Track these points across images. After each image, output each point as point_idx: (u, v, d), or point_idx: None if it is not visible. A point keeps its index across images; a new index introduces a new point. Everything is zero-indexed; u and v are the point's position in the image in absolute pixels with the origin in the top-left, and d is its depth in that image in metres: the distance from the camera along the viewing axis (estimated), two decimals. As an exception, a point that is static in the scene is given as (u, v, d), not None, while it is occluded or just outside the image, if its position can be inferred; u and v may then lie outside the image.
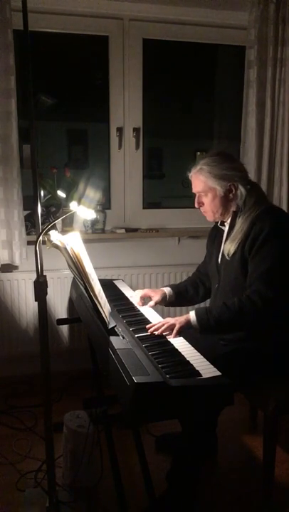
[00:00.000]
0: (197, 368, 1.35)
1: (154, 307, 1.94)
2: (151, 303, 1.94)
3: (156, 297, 1.96)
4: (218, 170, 1.73)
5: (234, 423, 2.33)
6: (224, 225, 1.85)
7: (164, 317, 1.76)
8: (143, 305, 1.93)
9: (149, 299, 1.98)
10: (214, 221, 1.87)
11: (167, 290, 2.01)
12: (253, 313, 1.59)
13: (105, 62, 2.77)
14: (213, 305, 1.83)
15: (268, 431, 1.71)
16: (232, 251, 1.73)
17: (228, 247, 1.74)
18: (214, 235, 1.96)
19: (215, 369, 1.34)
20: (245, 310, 1.59)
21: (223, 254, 1.82)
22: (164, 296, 1.98)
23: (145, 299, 1.98)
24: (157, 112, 3.94)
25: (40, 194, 2.38)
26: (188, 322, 1.64)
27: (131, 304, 1.97)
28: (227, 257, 1.76)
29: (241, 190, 1.73)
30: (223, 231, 1.85)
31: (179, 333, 1.63)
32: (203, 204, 1.82)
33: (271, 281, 1.60)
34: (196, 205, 1.84)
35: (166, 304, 2.03)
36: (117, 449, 1.83)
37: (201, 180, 1.77)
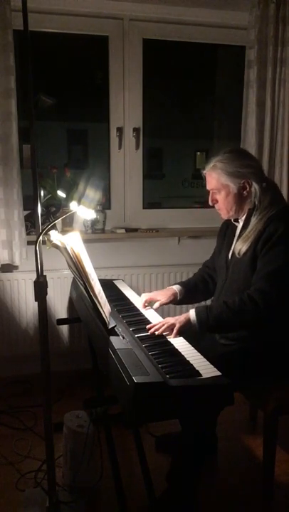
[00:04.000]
0: (197, 368, 1.35)
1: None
2: (156, 304, 1.91)
3: (162, 299, 1.92)
4: (231, 167, 1.72)
5: (234, 423, 2.32)
6: (238, 222, 1.83)
7: (164, 317, 1.76)
8: (147, 308, 1.91)
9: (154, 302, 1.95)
10: (228, 218, 1.85)
11: (177, 288, 1.97)
12: (254, 311, 1.58)
13: (105, 62, 2.77)
14: (216, 302, 1.82)
15: (268, 431, 1.71)
16: (243, 250, 1.71)
17: (240, 247, 1.73)
18: (225, 230, 1.94)
19: (215, 369, 1.34)
20: (246, 308, 1.58)
21: (233, 252, 1.80)
22: (174, 296, 1.94)
23: (150, 303, 1.94)
24: (157, 112, 3.94)
25: (40, 194, 2.37)
26: (188, 321, 1.64)
27: (131, 303, 1.97)
28: (237, 255, 1.74)
29: (255, 187, 1.71)
30: (236, 227, 1.84)
31: (179, 333, 1.63)
32: (217, 201, 1.80)
33: (276, 282, 1.59)
34: (210, 203, 1.83)
35: (176, 303, 1.98)
36: (117, 449, 1.83)
37: (214, 178, 1.76)
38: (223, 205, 1.79)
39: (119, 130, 2.81)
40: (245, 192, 1.74)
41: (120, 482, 1.69)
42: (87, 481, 1.81)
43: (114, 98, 2.79)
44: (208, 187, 1.81)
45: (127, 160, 2.86)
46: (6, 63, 2.38)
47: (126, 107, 2.79)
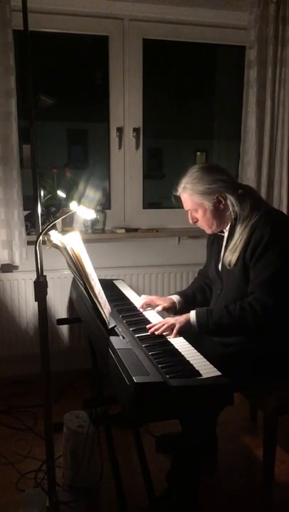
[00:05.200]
0: (197, 368, 1.35)
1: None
2: (159, 308, 1.90)
3: (164, 304, 1.91)
4: (200, 186, 1.72)
5: (234, 423, 2.32)
6: (223, 232, 1.83)
7: (164, 317, 1.76)
8: (145, 309, 1.90)
9: (152, 306, 1.93)
10: (213, 233, 1.85)
11: (176, 299, 1.96)
12: (254, 320, 1.59)
13: (105, 62, 2.77)
14: (215, 307, 1.82)
15: (268, 431, 1.71)
16: (233, 261, 1.71)
17: (229, 258, 1.72)
18: (212, 240, 1.94)
19: (215, 369, 1.34)
20: (246, 316, 1.59)
21: (223, 263, 1.79)
22: (173, 305, 1.93)
23: (148, 307, 1.93)
24: (157, 112, 3.94)
25: (40, 194, 2.38)
26: (188, 322, 1.64)
27: (131, 303, 1.97)
28: (228, 266, 1.74)
29: (230, 199, 1.71)
30: (222, 236, 1.84)
31: (179, 333, 1.63)
32: (197, 219, 1.81)
33: (272, 290, 1.59)
34: (191, 222, 1.83)
35: (175, 313, 1.96)
36: (117, 449, 1.83)
37: (187, 199, 1.77)
38: (203, 223, 1.80)
39: (119, 130, 2.81)
40: (221, 205, 1.73)
41: (120, 482, 1.68)
42: (87, 481, 1.81)
43: (114, 98, 2.79)
44: (185, 207, 1.82)
45: (127, 160, 2.86)
46: (6, 63, 2.38)
47: (126, 107, 2.79)
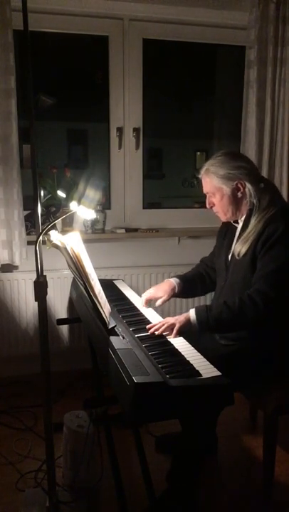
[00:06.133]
0: (197, 368, 1.35)
1: (154, 307, 1.93)
2: (159, 302, 1.92)
3: (164, 297, 1.93)
4: (222, 170, 1.73)
5: (234, 423, 2.33)
6: (237, 223, 1.83)
7: (164, 317, 1.76)
8: (148, 306, 1.92)
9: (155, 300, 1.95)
10: (227, 221, 1.85)
11: (175, 281, 1.97)
12: (254, 312, 1.58)
13: (105, 62, 2.77)
14: (216, 302, 1.83)
15: (268, 431, 1.71)
16: (243, 251, 1.71)
17: (239, 248, 1.73)
18: (225, 231, 1.94)
19: (215, 369, 1.34)
20: (246, 309, 1.59)
21: (233, 253, 1.80)
22: (172, 290, 1.95)
23: (151, 302, 1.95)
24: (157, 112, 3.94)
25: (40, 194, 2.38)
26: (188, 321, 1.64)
27: (131, 303, 1.97)
28: (237, 256, 1.74)
29: (249, 188, 1.72)
30: (236, 228, 1.84)
31: (179, 333, 1.63)
32: (213, 204, 1.81)
33: (275, 282, 1.59)
34: (208, 206, 1.84)
35: (175, 296, 1.99)
36: (117, 449, 1.83)
37: (208, 181, 1.78)
38: (219, 208, 1.80)
39: (119, 130, 2.81)
40: (239, 193, 1.74)
41: (120, 482, 1.69)
42: (87, 481, 1.81)
43: (114, 98, 2.79)
44: (204, 190, 1.83)
45: (127, 160, 2.86)
46: (6, 63, 2.38)
47: (126, 107, 2.79)
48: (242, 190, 1.73)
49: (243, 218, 1.79)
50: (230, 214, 1.80)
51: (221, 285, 1.86)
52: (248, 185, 1.72)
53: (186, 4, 2.68)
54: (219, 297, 1.85)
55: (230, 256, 1.83)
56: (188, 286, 2.01)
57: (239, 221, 1.82)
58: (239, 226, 1.81)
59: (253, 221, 1.71)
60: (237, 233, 1.82)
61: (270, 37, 2.65)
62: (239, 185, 1.73)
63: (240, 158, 1.80)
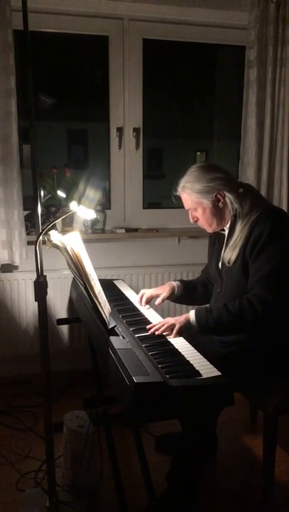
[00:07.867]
0: (197, 368, 1.35)
1: (154, 306, 1.93)
2: (159, 299, 1.92)
3: (164, 293, 1.93)
4: (198, 184, 1.73)
5: (234, 423, 2.33)
6: (224, 230, 1.83)
7: (164, 317, 1.76)
8: (147, 304, 1.92)
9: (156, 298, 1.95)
10: (214, 231, 1.85)
11: (176, 284, 1.98)
12: (253, 316, 1.59)
13: (105, 62, 2.77)
14: (215, 306, 1.83)
15: (268, 431, 1.71)
16: (233, 259, 1.71)
17: (229, 256, 1.73)
18: (214, 238, 1.94)
19: (215, 369, 1.34)
20: (245, 313, 1.59)
21: (223, 261, 1.80)
22: (172, 290, 1.96)
23: (150, 302, 1.95)
24: (157, 112, 3.94)
25: (40, 194, 2.38)
26: (188, 322, 1.64)
27: (131, 303, 1.97)
28: (228, 264, 1.75)
29: (229, 196, 1.71)
30: (224, 235, 1.84)
31: (179, 334, 1.63)
32: (197, 219, 1.82)
33: (271, 285, 1.59)
34: (191, 221, 1.84)
35: (173, 299, 2.00)
36: (117, 449, 1.83)
37: (186, 198, 1.79)
38: (204, 221, 1.80)
39: (119, 130, 2.81)
40: (220, 204, 1.74)
41: (120, 482, 1.68)
42: (87, 481, 1.81)
43: (114, 98, 2.79)
44: (186, 207, 1.83)
45: (127, 160, 2.86)
46: (6, 63, 2.39)
47: (126, 107, 2.79)
48: (222, 200, 1.73)
49: (228, 226, 1.78)
50: (216, 225, 1.79)
51: (217, 292, 1.87)
52: (228, 194, 1.72)
53: (186, 4, 2.68)
54: (216, 303, 1.85)
55: (220, 264, 1.83)
56: (190, 291, 2.00)
57: (225, 229, 1.81)
58: (226, 233, 1.81)
59: (238, 227, 1.71)
60: (225, 240, 1.82)
61: (270, 37, 2.65)
62: (219, 196, 1.73)
63: (214, 169, 1.78)
